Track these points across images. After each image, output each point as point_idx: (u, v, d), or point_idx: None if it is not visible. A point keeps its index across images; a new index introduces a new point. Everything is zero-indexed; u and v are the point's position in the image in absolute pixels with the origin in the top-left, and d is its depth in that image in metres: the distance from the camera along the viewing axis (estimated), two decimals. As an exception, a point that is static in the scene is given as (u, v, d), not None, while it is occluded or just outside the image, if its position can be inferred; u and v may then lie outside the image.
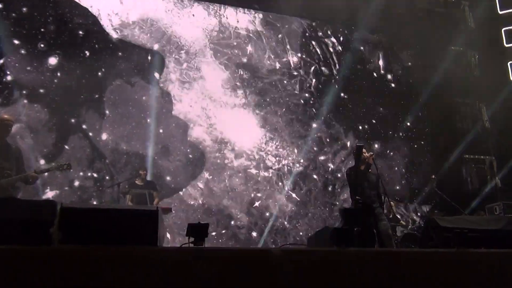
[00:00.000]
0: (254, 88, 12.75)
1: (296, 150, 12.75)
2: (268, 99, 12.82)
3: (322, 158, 13.03)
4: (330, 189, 12.90)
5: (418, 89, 14.20)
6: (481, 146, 14.06)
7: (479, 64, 14.29)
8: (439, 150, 14.18)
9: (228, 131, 12.14)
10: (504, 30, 13.84)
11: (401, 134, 13.95)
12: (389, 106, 14.03)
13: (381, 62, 14.47)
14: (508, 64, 13.48)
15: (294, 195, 12.41)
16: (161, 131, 11.53)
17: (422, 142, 14.15)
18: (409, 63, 14.77)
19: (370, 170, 7.49)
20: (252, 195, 11.97)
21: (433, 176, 12.41)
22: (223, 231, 11.45)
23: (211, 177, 11.72)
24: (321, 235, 8.50)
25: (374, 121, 13.83)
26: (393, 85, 14.39)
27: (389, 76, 14.39)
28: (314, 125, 13.15)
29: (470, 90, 14.07)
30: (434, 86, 14.03)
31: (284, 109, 12.94)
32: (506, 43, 13.62)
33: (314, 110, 13.28)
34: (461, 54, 14.46)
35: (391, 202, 12.02)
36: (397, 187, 13.48)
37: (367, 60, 14.31)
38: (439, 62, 13.92)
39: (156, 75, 11.87)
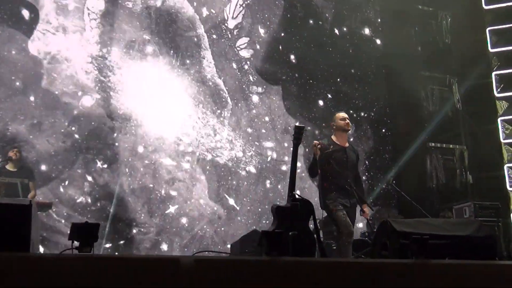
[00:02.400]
0: (171, 42, 12.64)
1: (225, 133, 12.78)
2: (192, 61, 12.77)
3: (261, 143, 13.16)
4: (268, 185, 13.06)
5: (372, 59, 14.61)
6: (451, 132, 14.54)
7: (451, 29, 14.74)
8: (399, 136, 14.58)
9: (133, 104, 11.97)
10: (483, -11, 14.33)
11: (354, 115, 14.31)
12: (342, 77, 14.41)
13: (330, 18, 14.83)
14: (487, 30, 13.96)
15: (223, 192, 12.47)
16: (32, 98, 11.16)
17: (381, 127, 14.60)
18: (366, 28, 15.14)
19: (346, 150, 7.74)
20: (163, 191, 11.90)
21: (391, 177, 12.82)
22: (121, 241, 11.33)
23: (105, 166, 11.52)
24: (248, 240, 8.50)
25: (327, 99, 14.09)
26: (351, 50, 14.83)
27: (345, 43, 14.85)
28: (255, 100, 13.31)
29: (439, 61, 14.51)
30: (394, 55, 14.40)
31: (211, 76, 12.93)
32: (485, 5, 14.10)
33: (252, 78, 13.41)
34: (429, 15, 14.86)
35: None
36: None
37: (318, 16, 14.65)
38: (401, 25, 14.28)
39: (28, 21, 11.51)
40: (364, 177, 13.99)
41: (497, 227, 11.04)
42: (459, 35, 14.57)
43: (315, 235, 6.72)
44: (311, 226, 7.22)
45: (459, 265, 4.75)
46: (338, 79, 14.64)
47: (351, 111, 14.18)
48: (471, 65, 14.24)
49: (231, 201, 12.63)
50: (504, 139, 13.33)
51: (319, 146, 7.61)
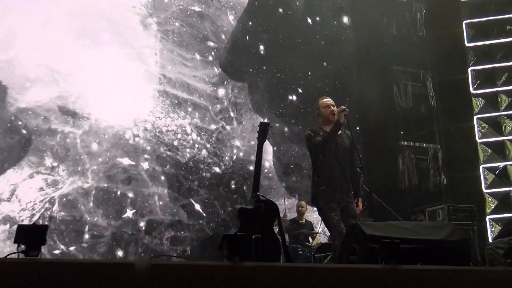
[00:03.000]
0: (129, 30, 12.56)
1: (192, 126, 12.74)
2: (153, 51, 12.70)
3: (226, 141, 13.15)
4: (233, 185, 13.07)
5: (343, 52, 14.69)
6: (424, 130, 14.67)
7: (426, 21, 14.87)
8: (370, 134, 14.67)
9: (87, 98, 11.85)
10: (460, -21, 14.50)
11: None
12: (313, 70, 14.48)
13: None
14: (463, 23, 14.13)
15: (184, 193, 12.43)
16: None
17: (351, 124, 14.67)
18: (337, 18, 15.23)
19: (340, 133, 7.36)
20: (119, 192, 11.81)
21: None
22: (72, 247, 11.21)
23: (55, 163, 11.39)
24: (209, 244, 8.51)
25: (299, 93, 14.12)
26: (322, 42, 14.90)
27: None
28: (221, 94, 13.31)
29: (413, 56, 14.63)
30: (366, 48, 14.49)
31: (171, 67, 12.88)
32: (462, -3, 14.32)
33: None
34: (403, 6, 14.98)
35: (302, 202, 12.35)
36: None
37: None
38: (374, 16, 14.37)
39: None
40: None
41: (471, 231, 11.21)
42: (434, 28, 14.72)
43: (280, 239, 6.74)
44: (276, 229, 7.23)
45: (432, 270, 4.76)
46: (309, 73, 14.69)
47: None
48: (446, 60, 14.40)
49: (193, 203, 12.59)
50: (480, 138, 13.53)
51: (346, 113, 7.18)
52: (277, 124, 13.75)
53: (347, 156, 7.41)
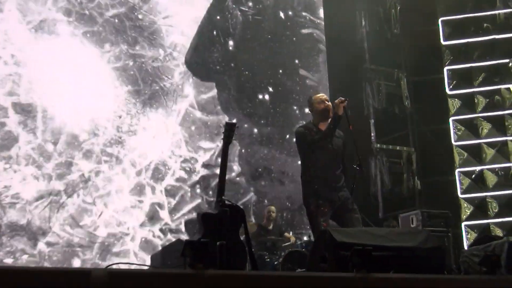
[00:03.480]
0: (89, 22, 12.48)
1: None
2: (112, 46, 12.63)
3: (191, 143, 13.13)
4: (199, 190, 13.04)
5: (314, 49, 14.73)
6: (398, 132, 14.74)
7: (400, 18, 14.94)
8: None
9: (41, 94, 11.74)
10: (436, -26, 14.62)
11: (297, 111, 14.42)
12: (284, 68, 14.50)
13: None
14: (440, 21, 14.25)
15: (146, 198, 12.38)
16: None
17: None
18: (308, 13, 15.25)
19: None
20: (76, 197, 11.72)
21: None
22: (25, 256, 11.10)
23: (7, 166, 11.26)
24: (171, 251, 8.48)
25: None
26: (294, 39, 14.92)
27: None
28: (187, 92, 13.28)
29: (387, 54, 14.71)
30: (337, 45, 14.53)
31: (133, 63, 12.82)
32: (439, -8, 14.43)
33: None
34: (377, 1, 15.03)
35: (272, 208, 12.36)
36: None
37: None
38: (346, 11, 14.42)
39: None
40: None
41: (446, 238, 11.28)
42: (409, 25, 14.75)
43: (246, 246, 6.73)
44: (243, 235, 7.22)
45: (405, 279, 4.81)
46: (280, 71, 14.70)
47: (294, 107, 14.28)
48: (421, 58, 14.49)
49: (156, 208, 12.53)
50: (455, 141, 13.62)
51: (345, 104, 7.17)
52: (246, 125, 13.76)
53: (341, 157, 7.50)
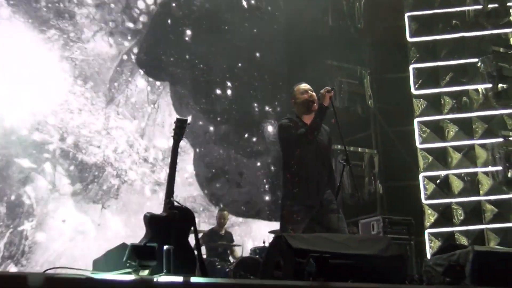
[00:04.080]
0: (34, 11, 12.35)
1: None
2: (60, 34, 12.51)
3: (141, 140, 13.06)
4: (148, 192, 13.00)
5: (275, 43, 14.74)
6: (360, 133, 14.82)
7: (365, 12, 14.99)
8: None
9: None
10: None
11: (257, 109, 14.42)
12: (244, 62, 14.51)
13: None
14: (406, 16, 14.35)
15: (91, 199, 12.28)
16: None
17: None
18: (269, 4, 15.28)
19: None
20: (13, 197, 11.58)
21: None
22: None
23: None
24: (115, 255, 8.42)
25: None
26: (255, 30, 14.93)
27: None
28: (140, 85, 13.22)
29: (350, 50, 14.77)
30: (298, 39, 14.54)
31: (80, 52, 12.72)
32: (405, -16, 14.53)
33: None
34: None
35: (225, 213, 12.37)
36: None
37: None
38: (307, 4, 14.43)
39: None
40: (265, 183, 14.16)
41: (408, 246, 11.38)
42: (374, 20, 14.84)
43: (195, 251, 6.71)
44: (192, 239, 7.19)
45: (363, 288, 4.81)
46: (239, 64, 14.68)
47: (255, 104, 14.27)
48: (386, 56, 14.59)
49: (102, 211, 12.44)
50: (420, 144, 13.75)
51: (332, 94, 6.99)
52: (201, 122, 13.71)
53: (326, 154, 7.23)
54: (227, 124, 14.13)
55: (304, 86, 7.39)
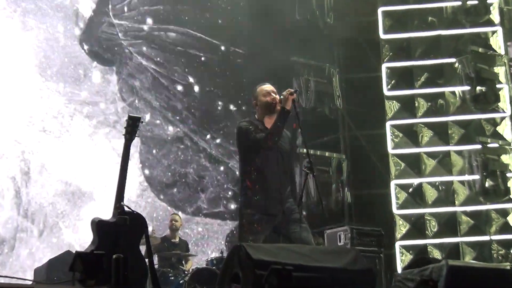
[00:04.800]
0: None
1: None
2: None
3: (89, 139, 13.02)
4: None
5: (237, 36, 14.75)
6: (328, 136, 14.87)
7: (335, 5, 14.98)
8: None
9: None
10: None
11: (219, 108, 14.43)
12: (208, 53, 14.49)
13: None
14: (379, 11, 14.40)
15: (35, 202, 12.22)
16: None
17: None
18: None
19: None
20: None
21: None
22: None
23: None
24: (58, 264, 8.34)
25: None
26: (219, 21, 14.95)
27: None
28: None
29: (318, 46, 14.80)
30: (261, 33, 14.56)
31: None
32: (379, -22, 14.60)
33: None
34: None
35: (176, 216, 12.34)
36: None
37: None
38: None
39: None
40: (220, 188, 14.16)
41: (378, 259, 11.42)
42: (345, 14, 14.89)
43: (147, 261, 6.68)
44: (143, 248, 7.16)
45: (328, 304, 4.83)
46: (202, 58, 14.65)
47: (219, 102, 14.25)
48: (357, 53, 14.67)
49: (46, 215, 12.36)
50: (392, 149, 13.77)
51: (294, 96, 6.94)
52: (158, 121, 13.64)
53: (288, 161, 7.25)
54: (186, 123, 14.08)
55: (268, 87, 7.32)
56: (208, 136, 14.33)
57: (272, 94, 7.21)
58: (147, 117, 13.02)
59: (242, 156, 7.35)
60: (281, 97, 7.03)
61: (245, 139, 7.15)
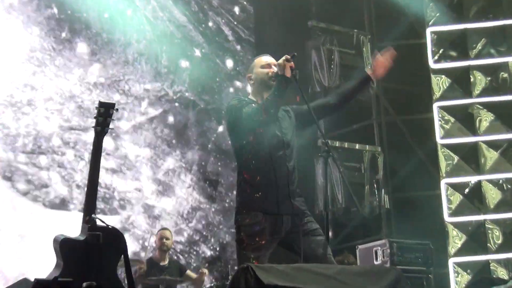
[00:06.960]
0: None
1: None
2: None
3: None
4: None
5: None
6: (358, 123, 14.84)
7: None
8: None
9: None
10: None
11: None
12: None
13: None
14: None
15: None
16: None
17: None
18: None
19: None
20: None
21: None
22: None
23: None
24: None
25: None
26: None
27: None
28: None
29: (343, 8, 14.76)
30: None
31: None
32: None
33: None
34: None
35: (166, 232, 12.36)
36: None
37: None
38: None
39: None
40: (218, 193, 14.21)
41: (426, 281, 11.42)
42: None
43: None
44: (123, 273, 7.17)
45: None
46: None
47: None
48: (392, 16, 14.57)
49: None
50: (442, 138, 13.56)
51: (291, 63, 6.83)
52: (128, 109, 13.70)
53: (290, 144, 7.15)
54: (178, 114, 14.14)
55: (267, 58, 7.30)
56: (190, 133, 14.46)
57: (272, 66, 7.11)
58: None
59: (234, 142, 7.24)
60: (277, 66, 6.95)
61: (234, 117, 7.07)
